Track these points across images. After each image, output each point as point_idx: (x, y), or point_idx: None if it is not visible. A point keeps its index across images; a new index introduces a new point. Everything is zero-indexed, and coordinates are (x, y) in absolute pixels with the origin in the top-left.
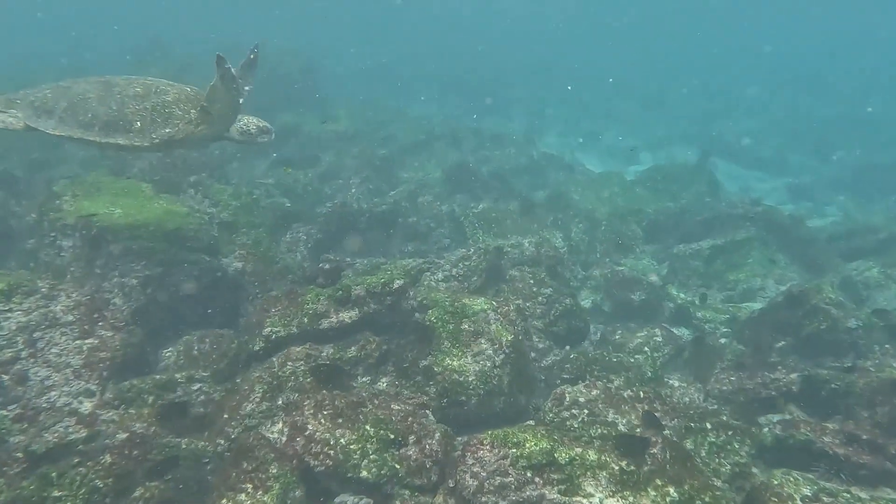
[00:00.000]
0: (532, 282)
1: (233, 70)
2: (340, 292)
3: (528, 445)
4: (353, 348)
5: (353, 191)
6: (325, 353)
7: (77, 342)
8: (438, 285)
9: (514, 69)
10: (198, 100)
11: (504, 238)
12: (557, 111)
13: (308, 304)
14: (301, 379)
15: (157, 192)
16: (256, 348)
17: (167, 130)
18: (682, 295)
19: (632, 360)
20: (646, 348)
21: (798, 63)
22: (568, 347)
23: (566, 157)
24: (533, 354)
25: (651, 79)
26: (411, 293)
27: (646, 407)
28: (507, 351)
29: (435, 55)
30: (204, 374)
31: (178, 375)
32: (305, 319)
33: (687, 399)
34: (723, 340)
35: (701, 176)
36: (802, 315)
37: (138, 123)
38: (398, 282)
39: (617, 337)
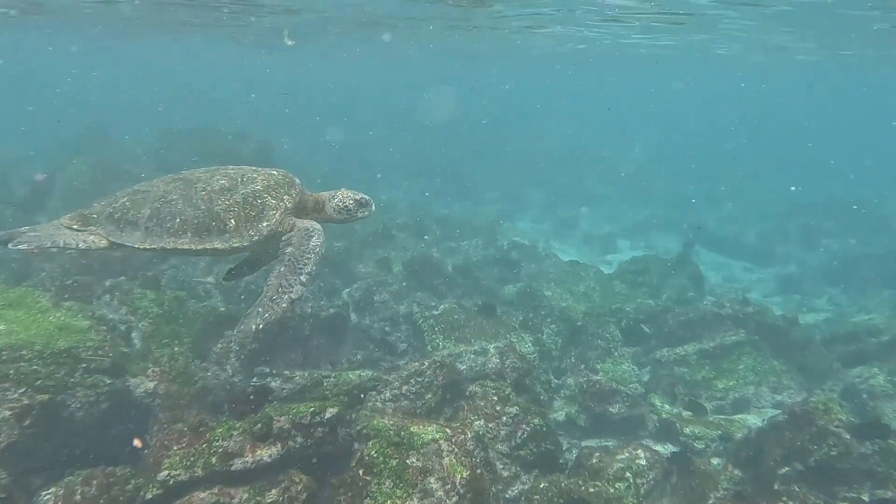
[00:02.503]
0: (496, 399)
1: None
2: (259, 426)
3: None
4: (273, 491)
5: None
6: (236, 500)
7: None
8: (385, 406)
9: (487, 151)
10: (287, 184)
11: (467, 343)
12: (532, 195)
13: (217, 441)
14: None
15: (58, 301)
16: (149, 496)
17: (264, 224)
18: (666, 406)
19: (612, 490)
20: (628, 474)
21: (782, 145)
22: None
23: (539, 246)
24: (495, 488)
25: (630, 162)
26: (352, 417)
27: None
28: (461, 491)
29: (406, 136)
30: None
31: None
32: (213, 459)
33: None
34: (715, 461)
35: (684, 269)
36: (809, 438)
37: (232, 221)
38: (331, 410)
39: (594, 460)
